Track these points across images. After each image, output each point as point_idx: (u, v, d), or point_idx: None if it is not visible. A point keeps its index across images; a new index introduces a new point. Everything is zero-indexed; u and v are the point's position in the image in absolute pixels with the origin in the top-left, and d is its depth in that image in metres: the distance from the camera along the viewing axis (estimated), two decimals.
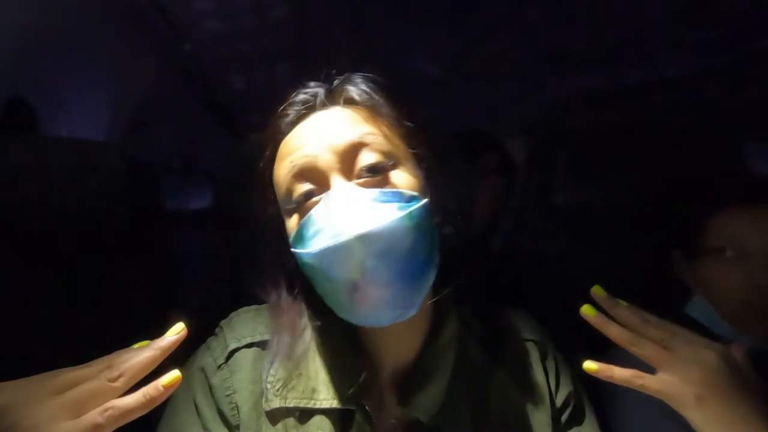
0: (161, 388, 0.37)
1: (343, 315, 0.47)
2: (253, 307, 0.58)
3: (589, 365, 0.45)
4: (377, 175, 0.46)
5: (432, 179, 0.51)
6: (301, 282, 0.51)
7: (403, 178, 0.46)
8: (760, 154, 1.09)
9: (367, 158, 0.45)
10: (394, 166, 0.47)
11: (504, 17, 1.20)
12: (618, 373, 0.44)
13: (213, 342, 0.55)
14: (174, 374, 0.38)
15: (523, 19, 1.21)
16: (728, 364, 0.42)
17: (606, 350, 0.77)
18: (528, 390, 0.53)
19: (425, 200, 0.47)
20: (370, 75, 0.52)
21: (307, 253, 0.44)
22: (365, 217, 0.41)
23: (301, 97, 0.52)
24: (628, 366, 0.69)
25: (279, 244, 0.52)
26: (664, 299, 0.80)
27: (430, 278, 0.47)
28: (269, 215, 0.53)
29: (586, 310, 0.46)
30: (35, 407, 0.32)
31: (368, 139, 0.46)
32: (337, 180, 0.45)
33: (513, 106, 1.64)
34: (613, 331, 0.45)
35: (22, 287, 0.72)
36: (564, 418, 0.55)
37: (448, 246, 0.51)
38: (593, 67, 1.39)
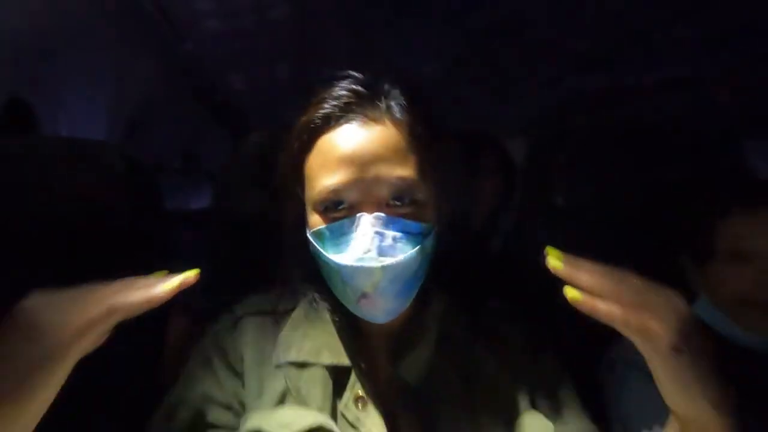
0: (167, 287, 0.44)
1: (346, 305, 0.54)
2: (259, 291, 0.64)
3: (573, 294, 0.43)
4: (405, 206, 0.50)
5: (446, 200, 0.55)
6: (311, 263, 0.55)
7: (425, 212, 0.52)
8: (760, 154, 1.09)
9: (400, 190, 0.50)
10: (421, 197, 0.51)
11: (504, 17, 1.20)
12: (602, 310, 0.42)
13: (225, 314, 0.62)
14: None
15: (523, 19, 1.21)
16: (690, 309, 0.43)
17: (606, 350, 0.77)
18: (509, 365, 0.57)
19: (435, 229, 0.53)
20: (411, 87, 0.55)
21: (330, 258, 0.50)
22: (389, 247, 0.48)
23: (344, 93, 0.52)
24: (631, 362, 0.70)
25: (297, 226, 0.56)
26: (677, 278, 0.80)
27: (420, 285, 0.54)
28: (292, 198, 0.56)
29: (571, 294, 0.43)
30: (50, 309, 0.40)
31: (407, 174, 0.50)
32: (370, 204, 0.49)
33: (513, 106, 1.65)
34: (601, 309, 0.42)
35: (21, 287, 0.72)
36: (545, 396, 0.57)
37: (443, 244, 0.55)
38: (593, 67, 1.39)
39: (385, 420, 0.52)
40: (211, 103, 1.78)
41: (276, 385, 0.55)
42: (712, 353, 0.43)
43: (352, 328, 0.57)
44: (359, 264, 0.47)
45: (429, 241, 0.51)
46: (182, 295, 0.46)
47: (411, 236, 0.50)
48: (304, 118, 0.53)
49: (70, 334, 0.40)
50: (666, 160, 0.89)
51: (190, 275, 0.46)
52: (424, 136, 0.52)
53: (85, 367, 0.43)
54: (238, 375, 0.57)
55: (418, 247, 0.49)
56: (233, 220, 0.91)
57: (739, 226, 0.71)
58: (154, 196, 0.90)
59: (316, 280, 0.56)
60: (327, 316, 0.58)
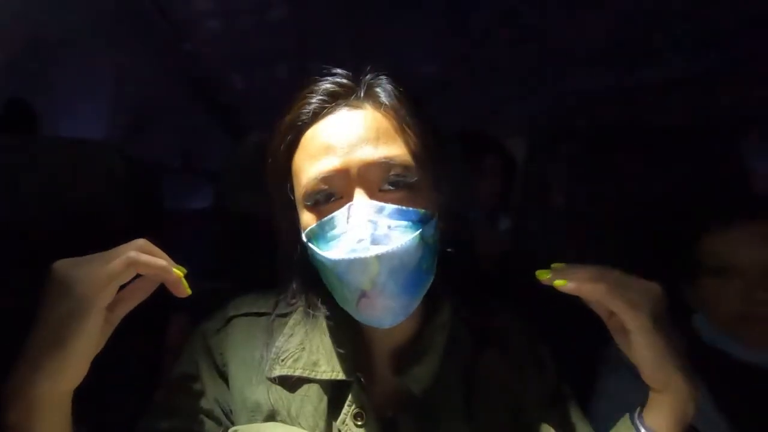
0: (176, 271, 0.47)
1: (346, 310, 0.50)
2: (257, 291, 0.63)
3: (558, 282, 0.47)
4: (399, 190, 0.47)
5: (443, 188, 0.53)
6: (309, 268, 0.53)
7: (421, 195, 0.48)
8: (760, 154, 1.09)
9: (391, 173, 0.47)
10: (414, 181, 0.48)
11: (504, 17, 1.20)
12: (587, 286, 0.46)
13: (216, 312, 0.60)
14: (179, 274, 0.47)
15: (523, 19, 1.21)
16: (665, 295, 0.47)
17: (605, 348, 0.77)
18: (513, 371, 0.57)
19: (435, 217, 0.49)
20: (398, 79, 0.52)
21: (323, 255, 0.46)
22: (383, 236, 0.44)
23: (328, 86, 0.50)
24: (620, 361, 0.70)
25: (291, 232, 0.54)
26: (674, 295, 0.80)
27: (429, 284, 0.50)
28: (283, 201, 0.54)
29: (541, 275, 0.47)
30: (77, 265, 0.43)
31: (395, 154, 0.47)
32: (361, 192, 0.46)
33: (513, 106, 1.65)
34: (587, 287, 0.46)
35: (21, 287, 0.72)
36: (546, 400, 0.58)
37: (446, 243, 0.53)
38: (593, 67, 1.39)
39: (385, 431, 0.50)
40: (211, 103, 1.78)
41: (265, 399, 0.52)
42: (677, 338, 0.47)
43: (353, 338, 0.53)
44: (352, 256, 0.43)
45: (429, 229, 0.47)
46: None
47: (407, 223, 0.46)
48: (287, 117, 0.51)
49: (94, 286, 0.42)
50: (666, 160, 0.89)
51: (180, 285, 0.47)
52: (413, 120, 0.49)
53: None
54: (223, 377, 0.55)
55: (416, 233, 0.45)
56: (233, 220, 0.91)
57: (719, 242, 0.72)
58: (154, 196, 0.90)
59: (317, 286, 0.53)
60: (326, 324, 0.55)
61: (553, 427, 0.54)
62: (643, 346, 0.46)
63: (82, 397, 0.45)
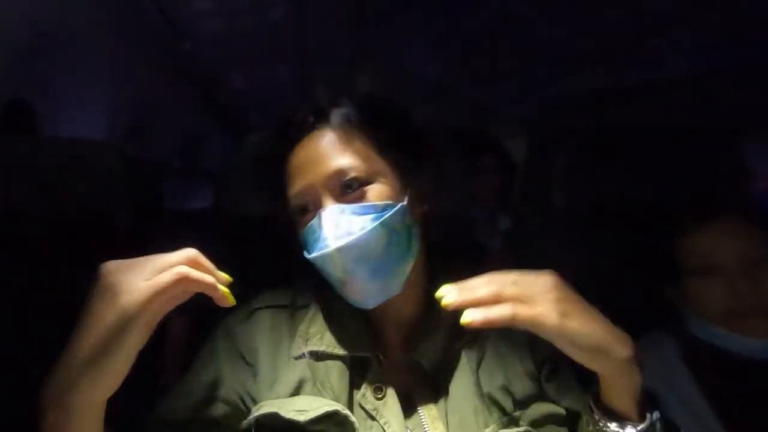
0: (223, 280, 0.48)
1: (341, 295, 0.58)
2: (274, 288, 0.68)
3: (465, 319, 0.45)
4: (356, 191, 0.55)
5: (411, 176, 0.60)
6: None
7: (377, 191, 0.56)
8: (760, 154, 1.09)
9: (347, 179, 0.56)
10: (369, 182, 0.56)
11: (504, 17, 1.20)
12: (493, 314, 0.45)
13: (240, 305, 0.62)
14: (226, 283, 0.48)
15: (523, 19, 1.21)
16: (562, 280, 0.48)
17: None
18: (515, 347, 0.61)
19: (400, 204, 0.56)
20: (361, 95, 0.62)
21: (309, 257, 0.56)
22: (343, 231, 0.53)
23: (300, 115, 0.60)
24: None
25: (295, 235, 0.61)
26: (664, 295, 0.80)
27: (408, 266, 0.58)
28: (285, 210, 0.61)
29: (467, 321, 0.45)
30: (125, 272, 0.43)
31: (347, 163, 0.56)
32: (327, 199, 0.55)
33: (513, 106, 1.65)
34: (494, 318, 0.45)
35: (21, 287, 0.72)
36: (545, 374, 0.61)
37: (442, 231, 0.61)
38: (593, 67, 1.39)
39: (402, 405, 0.54)
40: (211, 103, 1.78)
41: (292, 375, 0.56)
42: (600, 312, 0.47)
43: (366, 321, 0.60)
44: (320, 253, 0.53)
45: (395, 216, 0.55)
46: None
47: (370, 216, 0.54)
48: (272, 144, 0.62)
49: (141, 300, 0.42)
50: (666, 160, 0.89)
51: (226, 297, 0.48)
52: (361, 131, 0.58)
53: None
54: (249, 365, 0.59)
55: (375, 224, 0.53)
56: (233, 220, 0.91)
57: (695, 242, 0.73)
58: (154, 196, 0.90)
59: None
60: (342, 310, 0.60)
61: (551, 395, 0.58)
62: (567, 346, 0.47)
63: None
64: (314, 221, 0.56)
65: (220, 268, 0.49)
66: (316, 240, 0.55)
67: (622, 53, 1.31)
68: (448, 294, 0.46)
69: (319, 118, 0.60)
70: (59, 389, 0.41)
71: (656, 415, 0.50)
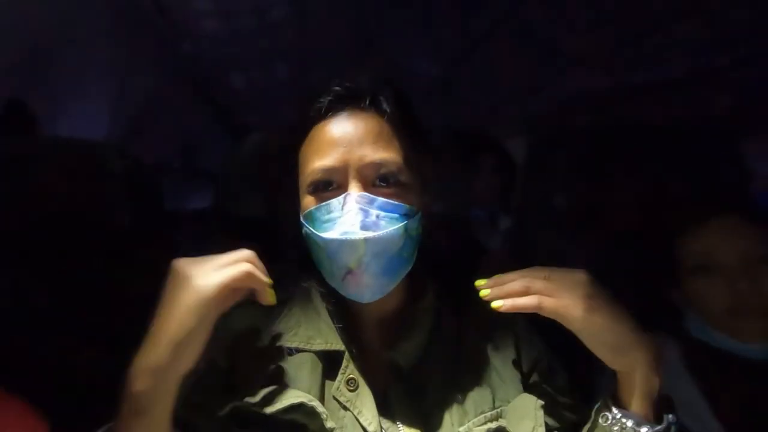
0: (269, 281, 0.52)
1: (331, 284, 0.58)
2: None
3: (495, 305, 0.51)
4: (388, 187, 0.55)
5: (429, 190, 0.61)
6: (303, 248, 0.60)
7: (408, 193, 0.56)
8: (760, 154, 1.09)
9: (383, 172, 0.55)
10: (404, 181, 0.56)
11: (504, 17, 1.20)
12: (520, 303, 0.49)
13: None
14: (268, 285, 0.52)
15: (523, 19, 1.21)
16: (594, 280, 0.50)
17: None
18: (501, 349, 0.62)
19: (419, 213, 0.57)
20: (399, 86, 0.60)
21: (318, 235, 0.54)
22: (372, 223, 0.52)
23: (338, 90, 0.58)
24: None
25: (292, 219, 0.61)
26: (664, 296, 0.80)
27: (407, 271, 0.58)
28: (288, 186, 0.62)
29: (495, 305, 0.51)
30: (198, 265, 0.48)
31: (390, 157, 0.55)
32: (355, 184, 0.54)
33: (513, 106, 1.65)
34: (521, 302, 0.50)
35: (21, 286, 0.72)
36: (533, 378, 0.62)
37: (428, 238, 0.60)
38: (593, 67, 1.39)
39: (376, 401, 0.55)
40: (211, 103, 1.78)
41: (264, 369, 0.57)
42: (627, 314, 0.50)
43: (345, 316, 0.60)
44: (344, 237, 0.52)
45: (413, 223, 0.56)
46: None
47: (394, 215, 0.54)
48: (300, 112, 0.59)
49: (216, 281, 0.47)
50: (666, 160, 0.89)
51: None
52: (408, 128, 0.58)
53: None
54: (226, 359, 0.59)
55: (401, 225, 0.53)
56: (233, 220, 0.91)
57: (695, 242, 0.74)
58: (154, 196, 0.90)
59: (311, 269, 0.60)
60: (321, 305, 0.61)
61: (536, 395, 0.59)
62: (588, 339, 0.49)
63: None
64: (334, 201, 0.54)
65: None
66: (331, 221, 0.54)
67: (621, 53, 1.31)
68: (484, 286, 0.51)
69: (364, 99, 0.57)
70: (149, 362, 0.47)
71: (672, 418, 0.51)
